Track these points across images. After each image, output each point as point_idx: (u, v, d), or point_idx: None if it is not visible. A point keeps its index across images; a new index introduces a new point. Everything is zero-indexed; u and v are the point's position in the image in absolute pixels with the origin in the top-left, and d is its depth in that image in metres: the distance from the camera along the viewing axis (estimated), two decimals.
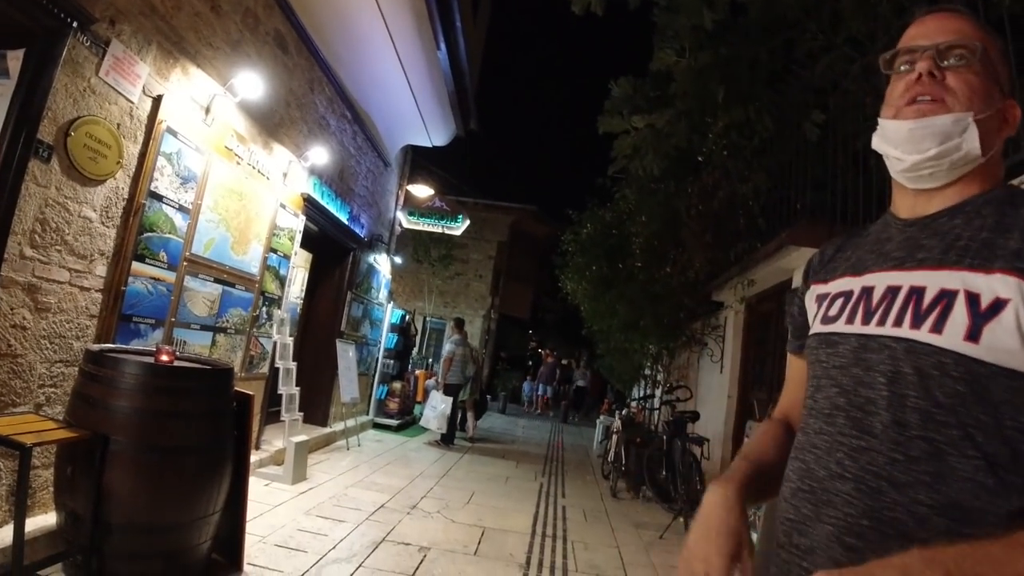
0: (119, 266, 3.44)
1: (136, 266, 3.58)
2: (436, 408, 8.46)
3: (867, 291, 0.94)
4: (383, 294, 9.32)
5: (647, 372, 9.54)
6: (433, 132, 8.71)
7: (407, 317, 10.86)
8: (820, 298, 1.06)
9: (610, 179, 8.29)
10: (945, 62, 0.93)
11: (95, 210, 3.20)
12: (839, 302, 0.98)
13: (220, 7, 4.07)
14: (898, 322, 0.86)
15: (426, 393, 9.44)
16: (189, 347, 4.24)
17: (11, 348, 2.75)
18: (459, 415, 9.15)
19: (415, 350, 12.16)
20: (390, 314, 9.75)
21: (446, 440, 8.52)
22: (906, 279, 0.89)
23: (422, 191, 9.96)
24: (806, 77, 5.13)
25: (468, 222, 10.42)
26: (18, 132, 2.55)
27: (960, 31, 0.94)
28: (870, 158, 3.70)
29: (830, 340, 0.96)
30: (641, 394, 9.61)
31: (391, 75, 6.90)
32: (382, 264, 9.04)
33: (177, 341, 4.10)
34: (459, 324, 9.40)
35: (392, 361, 10.08)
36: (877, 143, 1.01)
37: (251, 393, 3.38)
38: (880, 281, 0.93)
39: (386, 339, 9.66)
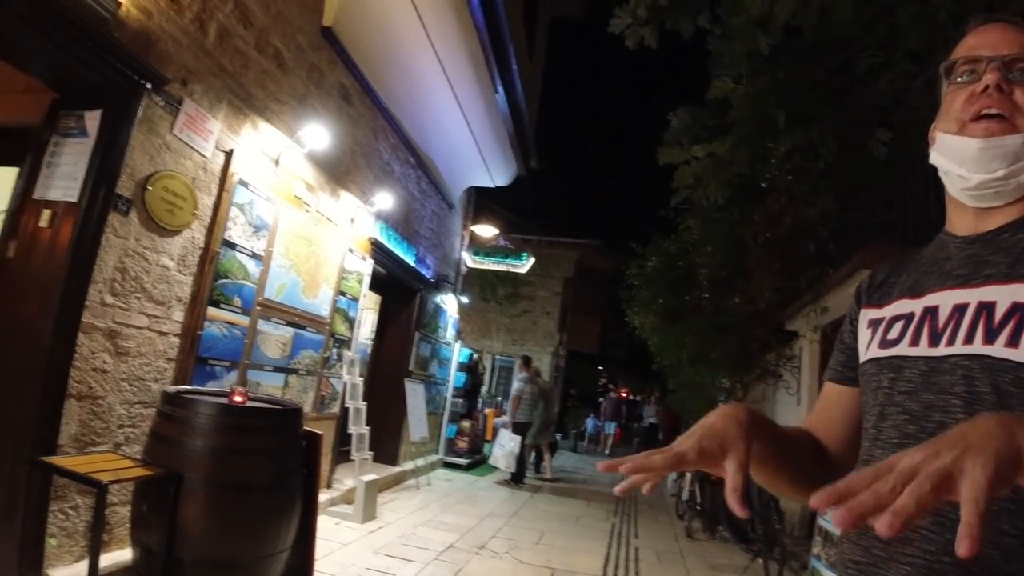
0: (195, 311, 3.63)
1: (211, 311, 3.77)
2: (505, 446, 8.44)
3: (931, 311, 0.88)
4: (450, 333, 9.45)
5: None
6: (495, 173, 8.88)
7: (474, 356, 10.95)
8: (874, 323, 0.99)
9: (673, 210, 8.21)
10: (1011, 75, 0.87)
11: (172, 259, 3.41)
12: (899, 325, 0.92)
13: (286, 64, 4.32)
14: (969, 339, 0.80)
15: (495, 431, 9.43)
16: (262, 388, 4.41)
17: (92, 390, 2.93)
18: (530, 453, 9.08)
19: (483, 388, 12.21)
20: (458, 353, 9.86)
21: (516, 479, 8.46)
22: (974, 296, 0.83)
23: (486, 231, 10.12)
24: (868, 95, 4.98)
25: (533, 259, 10.48)
26: (97, 187, 2.77)
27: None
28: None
29: (892, 364, 0.89)
30: None
31: (451, 120, 7.12)
32: (449, 304, 9.18)
33: (251, 382, 4.26)
34: (526, 362, 9.40)
35: (460, 400, 10.15)
36: (937, 159, 0.95)
37: (319, 432, 3.47)
38: (945, 300, 0.87)
39: (454, 378, 9.75)
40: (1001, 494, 0.53)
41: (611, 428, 17.41)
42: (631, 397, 20.53)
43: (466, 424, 9.84)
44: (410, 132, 6.80)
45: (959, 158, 0.90)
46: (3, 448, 2.62)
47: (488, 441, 10.77)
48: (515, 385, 9.18)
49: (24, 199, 2.83)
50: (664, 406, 16.73)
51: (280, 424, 3.15)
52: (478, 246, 10.06)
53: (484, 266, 10.19)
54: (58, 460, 2.52)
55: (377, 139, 6.07)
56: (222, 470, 2.80)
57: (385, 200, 6.08)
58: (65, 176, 2.79)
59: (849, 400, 1.02)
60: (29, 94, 3.05)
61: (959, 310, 0.84)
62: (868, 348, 0.97)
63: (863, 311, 1.04)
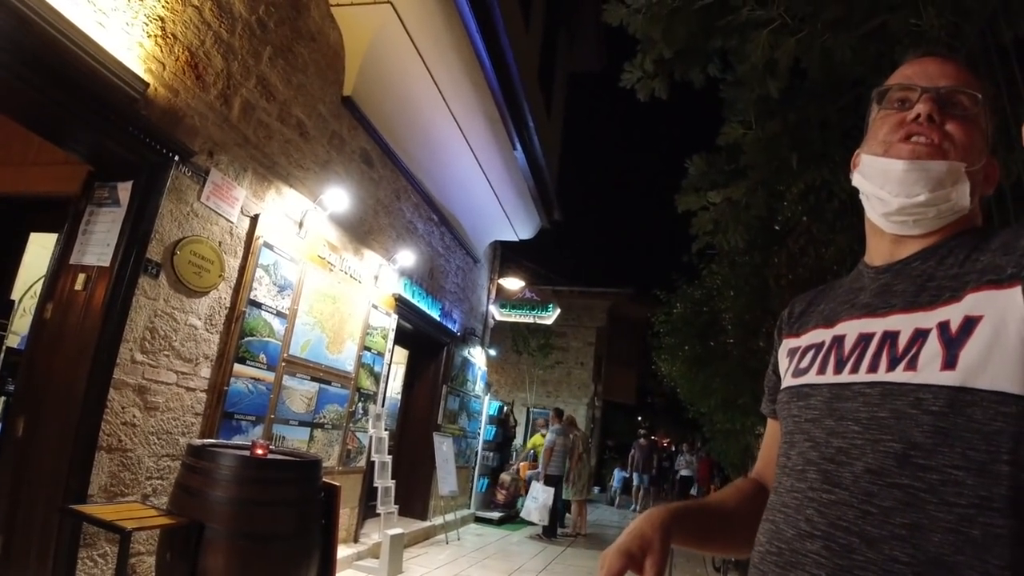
0: (222, 368, 3.81)
1: (237, 368, 3.94)
2: (537, 499, 8.35)
3: (838, 340, 0.89)
4: (479, 386, 9.51)
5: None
6: (518, 227, 9.07)
7: (505, 408, 10.95)
8: (791, 352, 1.00)
9: (696, 255, 8.24)
10: (945, 107, 0.87)
11: (200, 318, 3.60)
12: (810, 354, 0.93)
13: (308, 133, 4.60)
14: (872, 368, 0.80)
15: (528, 484, 9.36)
16: (288, 442, 4.53)
17: (122, 443, 3.10)
18: (562, 506, 8.96)
19: (516, 441, 12.14)
20: (487, 406, 9.89)
21: (548, 532, 8.34)
22: (879, 325, 0.84)
23: (513, 283, 10.28)
24: None
25: (559, 311, 10.56)
26: (129, 253, 3.00)
27: (961, 78, 0.90)
28: None
29: (801, 393, 0.91)
30: None
31: (472, 178, 7.36)
32: (477, 357, 9.28)
33: (276, 437, 4.39)
34: (558, 413, 9.39)
35: (492, 453, 10.12)
36: (859, 181, 0.94)
37: (337, 484, 3.56)
38: (852, 329, 0.88)
39: (485, 431, 9.76)
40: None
41: (641, 480, 15.12)
42: (671, 447, 19.89)
43: (506, 477, 9.78)
44: (432, 191, 7.05)
45: (882, 179, 0.89)
46: (37, 496, 2.79)
47: (522, 495, 10.66)
48: (548, 437, 9.14)
49: (61, 264, 3.08)
50: (701, 456, 15.97)
51: (299, 476, 3.25)
52: (505, 299, 10.20)
53: (511, 319, 10.30)
54: (87, 508, 2.68)
55: (399, 199, 6.32)
56: (243, 520, 2.90)
57: (408, 257, 6.28)
58: (99, 243, 3.04)
59: (778, 432, 1.01)
60: (68, 165, 3.34)
61: (864, 339, 0.84)
62: (785, 377, 0.99)
63: (784, 341, 1.05)
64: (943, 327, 0.75)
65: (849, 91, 5.31)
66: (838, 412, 0.82)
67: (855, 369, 0.83)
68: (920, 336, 0.77)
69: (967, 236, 0.87)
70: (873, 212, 0.93)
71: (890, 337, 0.81)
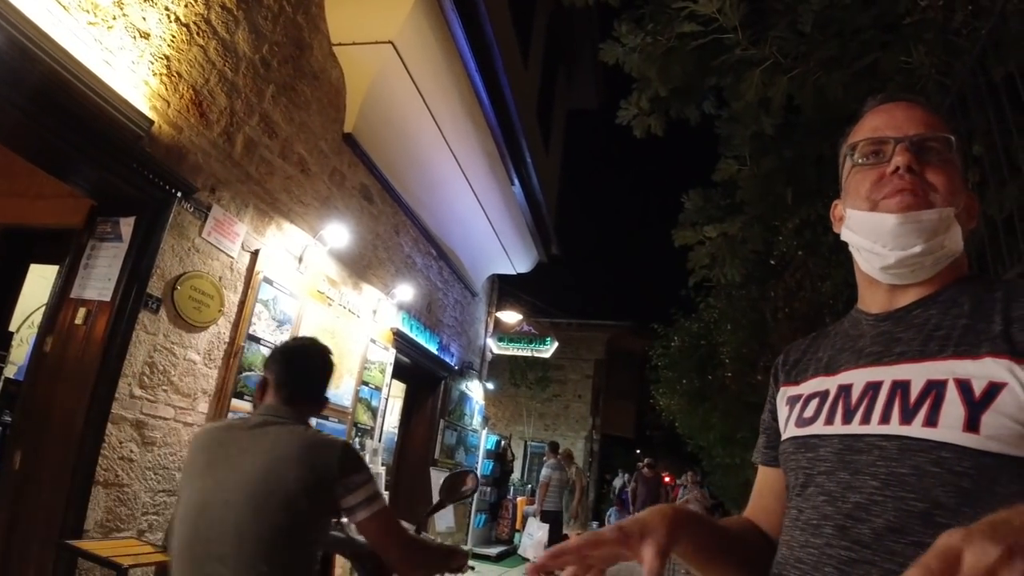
0: (220, 403, 3.79)
1: (235, 403, 3.92)
2: (533, 536, 8.24)
3: (844, 389, 0.87)
4: (477, 420, 9.44)
5: None
6: (516, 261, 9.12)
7: (503, 443, 10.87)
8: (792, 400, 0.98)
9: (693, 289, 8.28)
10: (920, 155, 0.87)
11: (199, 353, 3.60)
12: (814, 403, 0.91)
13: (309, 169, 4.65)
14: (885, 419, 0.79)
15: (524, 520, 9.24)
16: None
17: (118, 478, 3.07)
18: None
19: (514, 475, 12.01)
20: (485, 440, 9.81)
21: None
22: (887, 374, 0.82)
23: (511, 317, 10.28)
24: None
25: (557, 344, 10.57)
26: (130, 288, 3.02)
27: (930, 123, 0.90)
28: None
29: (809, 443, 0.88)
30: None
31: (471, 212, 7.42)
32: (474, 391, 9.24)
33: None
34: (554, 448, 9.33)
35: (489, 488, 10.00)
36: (849, 236, 0.94)
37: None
38: (858, 378, 0.86)
39: (482, 465, 9.66)
40: None
41: None
42: (673, 482, 19.62)
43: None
44: (431, 226, 7.10)
45: (874, 234, 0.88)
46: (33, 530, 2.76)
47: (518, 531, 10.52)
48: (544, 472, 9.05)
49: (62, 297, 3.09)
50: (705, 491, 15.58)
51: None
52: (503, 332, 10.20)
53: (509, 352, 10.30)
54: (83, 544, 2.66)
55: (398, 234, 6.36)
56: None
57: (407, 291, 6.29)
58: (100, 277, 3.05)
59: (776, 481, 1.00)
60: (71, 199, 3.37)
61: (872, 388, 0.83)
62: (787, 426, 0.96)
63: (781, 389, 1.04)
64: (963, 386, 0.75)
65: (843, 127, 5.42)
66: (852, 465, 0.80)
67: (866, 420, 0.81)
68: (934, 388, 0.77)
69: (965, 285, 0.87)
70: (869, 266, 0.93)
71: (900, 387, 0.80)
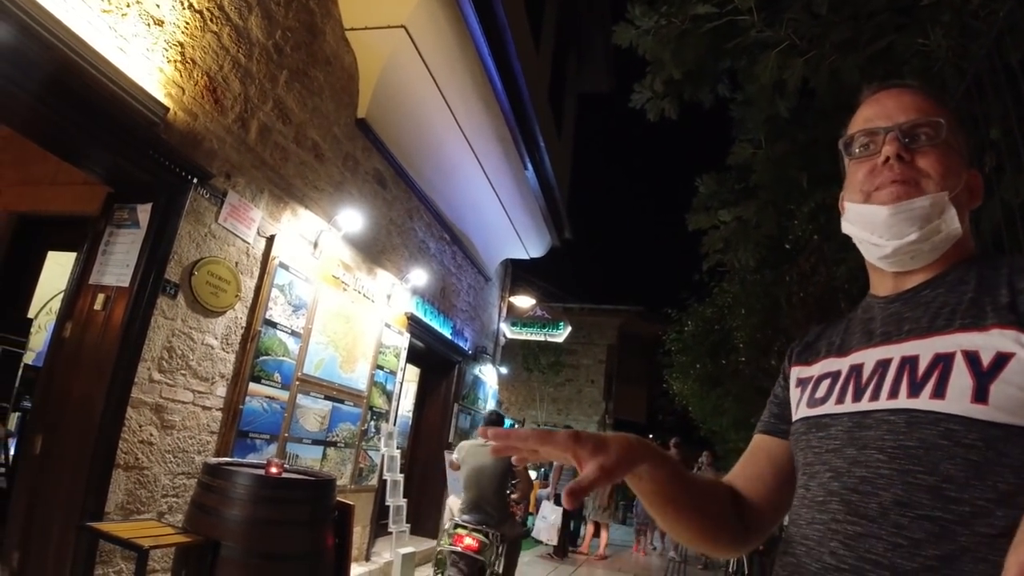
0: (237, 387, 3.84)
1: (252, 386, 3.98)
2: (547, 519, 8.31)
3: (856, 368, 0.89)
4: (490, 404, 9.50)
5: None
6: (529, 245, 9.11)
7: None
8: (803, 382, 0.99)
9: (707, 274, 8.24)
10: (910, 142, 0.89)
11: (216, 338, 3.65)
12: (826, 383, 0.93)
13: (323, 155, 4.67)
14: (893, 393, 0.80)
15: (538, 503, 9.31)
16: (301, 461, 4.55)
17: (138, 461, 3.13)
18: (572, 525, 8.89)
19: None
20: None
21: (558, 552, 8.28)
22: (896, 351, 0.84)
23: (524, 301, 10.30)
24: None
25: (570, 328, 10.58)
26: (148, 273, 3.05)
27: (920, 108, 0.90)
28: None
29: (820, 423, 0.89)
30: None
31: (484, 197, 7.42)
32: (488, 375, 9.28)
33: (290, 455, 4.41)
34: None
35: None
36: (848, 228, 0.96)
37: (351, 503, 3.57)
38: (869, 357, 0.88)
39: None
40: None
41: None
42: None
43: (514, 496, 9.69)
44: (444, 210, 7.11)
45: (870, 225, 0.90)
46: (55, 514, 2.82)
47: (532, 514, 10.60)
48: None
49: (81, 284, 3.14)
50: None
51: (314, 495, 3.26)
52: (516, 317, 10.22)
53: (522, 336, 10.32)
54: (104, 526, 2.71)
55: (412, 219, 6.38)
56: (258, 539, 2.91)
57: (421, 276, 6.32)
58: (118, 263, 3.09)
59: (779, 452, 1.01)
60: (87, 186, 3.41)
61: (882, 365, 0.84)
62: (798, 407, 0.97)
63: (793, 369, 1.05)
64: (971, 357, 0.75)
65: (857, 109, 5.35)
66: (860, 440, 0.81)
67: (875, 396, 0.82)
68: (941, 360, 0.77)
69: (972, 263, 0.88)
70: (870, 256, 0.95)
71: (909, 362, 0.81)
